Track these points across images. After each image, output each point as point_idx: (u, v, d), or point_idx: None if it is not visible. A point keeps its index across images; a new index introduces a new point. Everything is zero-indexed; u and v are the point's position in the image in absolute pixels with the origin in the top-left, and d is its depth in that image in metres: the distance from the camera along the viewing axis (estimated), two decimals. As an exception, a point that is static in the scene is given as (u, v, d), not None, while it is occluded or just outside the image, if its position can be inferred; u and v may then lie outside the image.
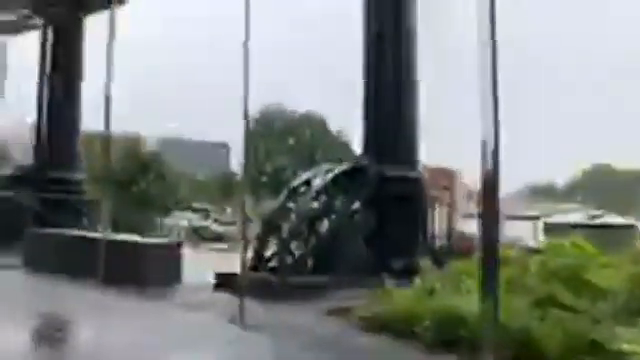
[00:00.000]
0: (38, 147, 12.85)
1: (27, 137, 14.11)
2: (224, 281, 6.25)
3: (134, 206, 17.54)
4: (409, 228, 6.72)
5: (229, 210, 79.85)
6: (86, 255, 6.96)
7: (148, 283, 6.39)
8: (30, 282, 7.12)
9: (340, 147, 75.97)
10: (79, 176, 12.91)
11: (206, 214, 53.67)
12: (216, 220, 57.29)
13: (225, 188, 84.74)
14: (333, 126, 78.98)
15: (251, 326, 4.67)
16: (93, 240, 7.00)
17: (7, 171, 12.49)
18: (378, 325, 4.38)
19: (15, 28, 9.09)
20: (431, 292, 4.63)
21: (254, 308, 4.99)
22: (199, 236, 33.65)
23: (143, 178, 18.05)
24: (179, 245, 6.87)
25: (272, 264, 6.42)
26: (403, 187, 6.68)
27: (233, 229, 53.17)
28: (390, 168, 6.68)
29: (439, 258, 7.31)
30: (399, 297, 4.74)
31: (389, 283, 5.22)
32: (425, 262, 6.05)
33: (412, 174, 6.90)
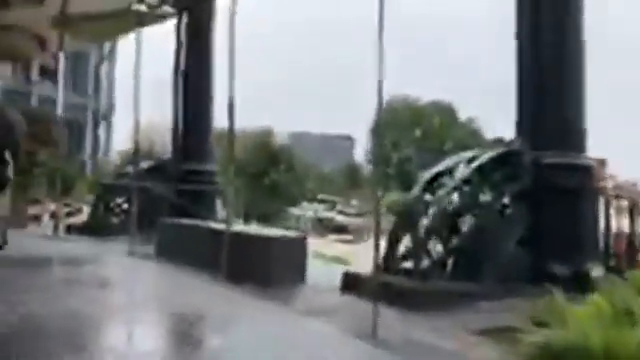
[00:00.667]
0: (174, 140, 13.09)
1: (165, 131, 14.70)
2: (352, 282, 5.48)
3: (265, 196, 17.73)
4: (575, 226, 5.40)
5: (354, 202, 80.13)
6: (213, 247, 6.63)
7: (271, 280, 5.83)
8: (158, 272, 6.96)
9: (471, 136, 72.17)
10: (213, 168, 12.97)
11: (332, 205, 54.18)
12: (341, 211, 57.67)
13: (350, 180, 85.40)
14: (462, 114, 74.97)
15: (384, 342, 3.84)
16: (220, 232, 6.62)
17: (146, 163, 12.94)
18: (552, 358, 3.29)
19: (144, 19, 9.03)
20: (627, 313, 3.43)
21: (387, 319, 4.15)
22: (324, 227, 33.78)
23: (274, 170, 18.09)
24: (305, 239, 6.21)
25: (406, 265, 5.49)
26: (567, 177, 5.36)
27: (358, 220, 53.36)
28: (551, 154, 5.41)
29: (614, 264, 5.90)
30: (576, 318, 3.60)
31: (555, 295, 4.08)
32: (597, 269, 4.77)
33: (580, 161, 5.54)
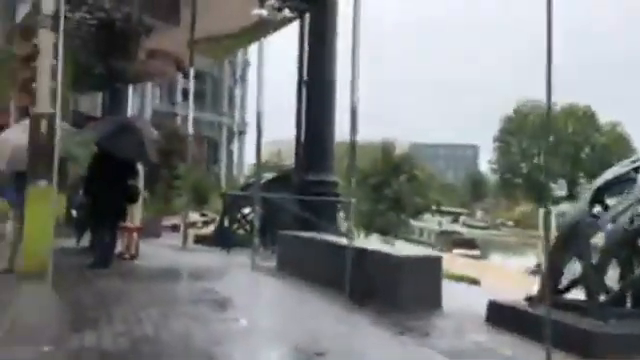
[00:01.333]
0: (297, 150, 12.78)
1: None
2: (501, 314, 4.44)
3: (386, 208, 16.89)
4: None
5: (479, 213, 75.50)
6: (336, 263, 5.98)
7: (401, 304, 4.99)
8: (279, 291, 6.42)
9: (615, 143, 64.29)
10: (334, 178, 12.41)
11: (455, 217, 51.36)
12: (465, 224, 54.38)
13: (474, 191, 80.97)
14: (604, 118, 67.01)
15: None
16: (343, 248, 5.94)
17: (270, 175, 12.80)
18: None
19: (267, 27, 8.72)
20: None
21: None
22: (448, 240, 31.85)
23: (395, 180, 17.19)
24: (440, 260, 5.28)
25: (569, 295, 4.33)
26: None
27: (484, 233, 49.83)
28: None
29: None
30: None
31: None
32: None
33: None
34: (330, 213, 11.37)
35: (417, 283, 5.08)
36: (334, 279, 5.97)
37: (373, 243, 6.40)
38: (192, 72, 10.63)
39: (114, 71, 12.70)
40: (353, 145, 6.15)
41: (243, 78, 61.65)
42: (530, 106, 69.86)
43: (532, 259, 39.28)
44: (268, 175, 12.70)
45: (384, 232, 17.78)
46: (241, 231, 10.15)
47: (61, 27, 5.80)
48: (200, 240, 10.69)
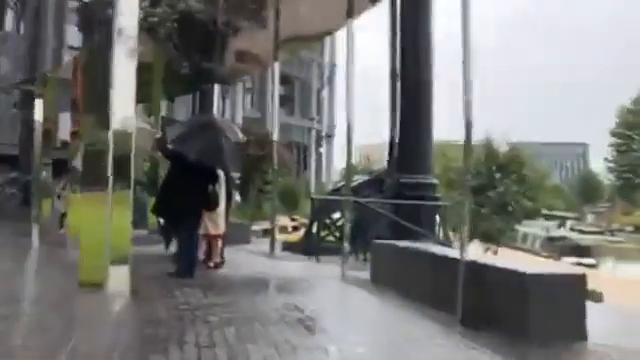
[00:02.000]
0: (391, 150, 11.87)
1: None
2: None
3: (491, 212, 15.44)
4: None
5: (590, 217, 69.56)
6: (441, 278, 5.08)
7: (530, 334, 3.97)
8: (375, 309, 5.60)
9: None
10: (432, 180, 11.34)
11: (562, 222, 47.29)
12: (574, 229, 49.96)
13: (584, 193, 74.86)
14: None
15: None
16: (451, 260, 5.02)
17: (360, 177, 12.04)
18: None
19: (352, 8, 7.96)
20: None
21: None
22: (556, 247, 29.04)
23: (501, 182, 15.67)
24: (584, 278, 4.18)
25: None
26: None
27: (597, 239, 45.51)
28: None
29: None
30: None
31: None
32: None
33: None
34: (428, 218, 10.34)
35: (553, 307, 4.03)
36: (441, 298, 5.05)
37: (490, 257, 5.28)
38: (277, 74, 10.10)
39: (203, 73, 12.61)
40: (468, 144, 5.21)
41: (331, 80, 61.77)
42: (652, 95, 62.81)
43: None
44: (359, 177, 11.94)
45: (487, 239, 16.29)
46: (331, 238, 9.46)
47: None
48: (289, 247, 10.15)
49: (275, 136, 12.34)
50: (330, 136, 61.14)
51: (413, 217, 9.90)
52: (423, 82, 11.54)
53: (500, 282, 4.32)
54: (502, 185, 15.23)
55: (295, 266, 7.81)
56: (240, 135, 9.02)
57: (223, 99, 43.22)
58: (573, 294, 4.13)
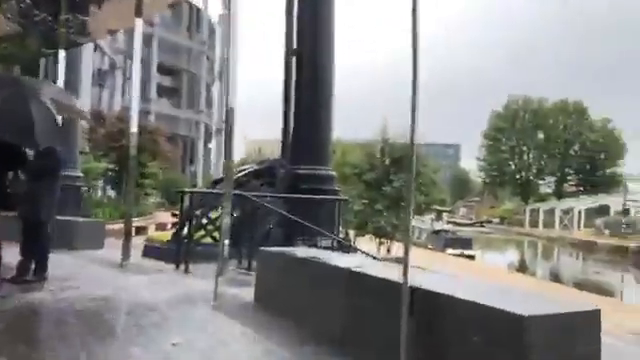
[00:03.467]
0: (284, 137, 9.86)
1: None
2: None
3: (385, 207, 14.14)
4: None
5: (462, 211, 74.00)
6: (367, 309, 3.19)
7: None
8: (250, 342, 3.51)
9: (606, 139, 62.45)
10: (331, 172, 9.55)
11: (438, 215, 48.82)
12: (450, 221, 51.96)
13: (457, 189, 79.19)
14: (595, 115, 64.98)
15: None
16: (380, 283, 3.13)
17: (247, 167, 9.93)
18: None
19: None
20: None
21: None
22: (441, 240, 29.20)
23: (397, 176, 14.40)
24: (598, 315, 2.42)
25: None
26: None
27: (470, 230, 47.55)
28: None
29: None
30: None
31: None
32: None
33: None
34: (327, 214, 8.52)
35: (555, 356, 2.26)
36: (364, 340, 3.14)
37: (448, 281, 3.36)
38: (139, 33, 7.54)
39: (46, 33, 9.55)
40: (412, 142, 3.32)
41: (222, 74, 58.44)
42: (521, 102, 67.48)
43: (517, 256, 37.12)
44: (247, 167, 9.78)
45: (381, 234, 14.99)
46: (208, 239, 7.21)
47: None
48: (154, 251, 7.71)
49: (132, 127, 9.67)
50: (220, 131, 57.60)
51: (310, 212, 8.01)
52: (322, 67, 9.77)
53: (472, 325, 2.45)
54: (397, 180, 13.95)
55: (149, 282, 5.45)
56: (75, 104, 6.44)
57: (100, 87, 38.41)
58: (583, 337, 2.38)
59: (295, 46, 9.59)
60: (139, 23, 7.08)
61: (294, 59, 9.60)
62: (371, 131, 16.05)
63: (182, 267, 6.48)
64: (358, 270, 3.48)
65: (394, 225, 14.24)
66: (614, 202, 50.84)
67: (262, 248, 4.86)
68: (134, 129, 7.19)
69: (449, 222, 51.46)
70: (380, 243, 15.24)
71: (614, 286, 23.97)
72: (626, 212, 47.16)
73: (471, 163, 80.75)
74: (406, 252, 2.84)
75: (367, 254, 8.28)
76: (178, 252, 6.63)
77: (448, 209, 65.57)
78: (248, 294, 4.76)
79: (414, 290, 2.76)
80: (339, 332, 3.43)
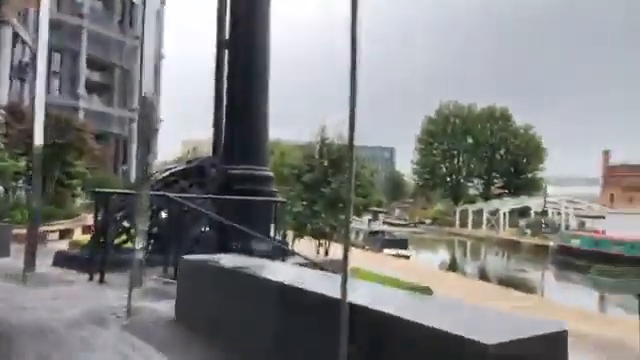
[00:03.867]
0: (216, 134, 9.21)
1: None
2: None
3: (323, 209, 13.76)
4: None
5: (397, 212, 75.37)
6: (300, 325, 2.71)
7: None
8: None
9: (528, 145, 65.90)
10: (268, 172, 8.99)
11: (374, 216, 49.33)
12: (385, 222, 52.72)
13: (392, 191, 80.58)
14: (520, 121, 68.29)
15: None
16: (319, 300, 2.64)
17: (176, 166, 9.20)
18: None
19: None
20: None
21: None
22: (378, 241, 29.32)
23: (335, 177, 14.05)
24: (564, 336, 2.06)
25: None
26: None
27: (405, 231, 48.40)
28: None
29: None
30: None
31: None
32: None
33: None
34: (263, 216, 7.96)
35: None
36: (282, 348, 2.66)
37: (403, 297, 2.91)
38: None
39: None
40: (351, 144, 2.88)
41: (157, 71, 56.07)
42: (452, 108, 69.90)
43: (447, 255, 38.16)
44: (173, 167, 9.01)
45: (319, 236, 14.59)
46: (127, 245, 6.45)
47: None
48: (67, 258, 6.81)
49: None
50: (155, 129, 55.30)
51: (245, 215, 7.42)
52: (257, 60, 9.19)
53: (424, 351, 2.02)
54: (335, 181, 13.62)
55: (52, 297, 4.67)
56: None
57: (21, 81, 35.53)
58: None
59: (227, 37, 9.01)
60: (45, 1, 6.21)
61: (226, 51, 9.01)
62: (313, 132, 15.67)
63: (97, 277, 5.70)
64: (292, 284, 2.98)
65: (332, 226, 13.89)
66: (535, 204, 53.69)
67: (184, 256, 4.25)
68: (39, 122, 6.30)
69: (385, 223, 52.25)
70: (319, 244, 14.85)
71: (536, 283, 25.03)
72: (545, 213, 49.90)
73: (406, 166, 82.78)
74: (345, 266, 2.38)
75: (306, 258, 7.82)
76: (92, 260, 5.83)
77: (384, 210, 66.72)
78: (169, 309, 4.14)
79: (355, 308, 2.31)
80: (271, 355, 2.92)
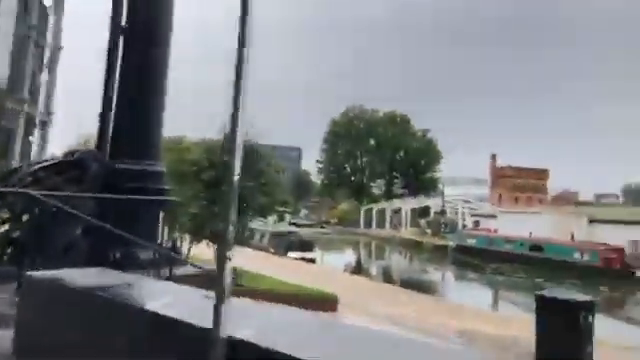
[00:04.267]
0: (102, 124, 8.06)
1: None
2: None
3: (224, 208, 12.83)
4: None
5: (303, 212, 75.60)
6: (143, 352, 2.01)
7: None
8: None
9: (425, 147, 69.20)
10: (160, 168, 7.97)
11: (280, 216, 48.74)
12: (292, 223, 52.30)
13: (299, 190, 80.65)
14: (419, 125, 72.01)
15: None
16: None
17: (48, 159, 7.93)
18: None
19: None
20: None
21: None
22: (283, 243, 28.62)
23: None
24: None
25: None
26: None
27: (311, 232, 48.24)
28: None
29: None
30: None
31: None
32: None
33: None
34: (151, 219, 6.98)
35: None
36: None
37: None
38: None
39: None
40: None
41: (52, 63, 51.23)
42: (357, 111, 71.94)
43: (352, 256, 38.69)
44: (45, 161, 7.71)
45: (217, 239, 13.61)
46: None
47: None
48: None
49: None
50: (45, 123, 50.40)
51: (130, 217, 6.41)
52: (156, 46, 8.17)
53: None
54: (240, 180, 12.77)
55: None
56: None
57: None
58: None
59: (125, 22, 7.94)
60: None
61: (122, 37, 7.94)
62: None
63: None
64: (159, 311, 2.25)
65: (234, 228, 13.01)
66: (434, 204, 56.47)
67: (29, 273, 3.30)
68: None
69: (291, 224, 51.84)
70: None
71: (437, 284, 25.98)
72: (443, 213, 52.60)
73: (313, 166, 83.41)
74: (221, 288, 1.73)
75: (198, 267, 6.98)
76: None
77: (290, 210, 66.40)
78: (6, 341, 3.18)
79: (234, 344, 1.70)
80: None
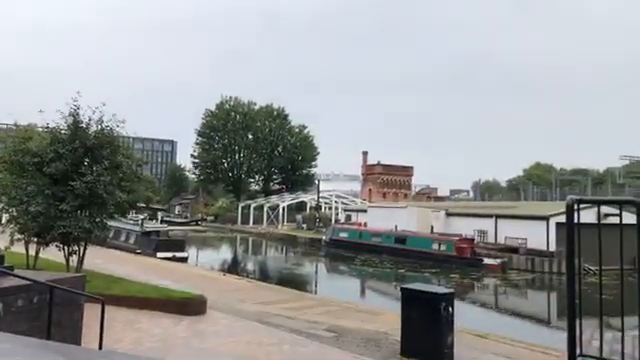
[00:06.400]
0: None
1: None
2: None
3: (76, 207, 11.26)
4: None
5: (178, 209, 71.86)
6: None
7: None
8: None
9: (302, 143, 69.69)
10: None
11: (153, 214, 45.57)
12: (165, 220, 49.24)
13: (174, 185, 76.71)
14: (296, 120, 72.18)
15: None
16: None
17: None
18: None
19: None
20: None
21: None
22: (152, 243, 26.55)
23: (91, 168, 11.62)
24: None
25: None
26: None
27: (186, 230, 45.61)
28: None
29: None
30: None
31: None
32: None
33: None
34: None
35: None
36: None
37: None
38: None
39: None
40: None
41: None
42: (233, 103, 69.70)
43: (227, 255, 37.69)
44: None
45: (68, 242, 11.99)
46: None
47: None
48: None
49: None
50: None
51: None
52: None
53: None
54: (92, 173, 11.29)
55: None
56: None
57: None
58: None
59: None
60: None
61: None
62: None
63: None
64: None
65: (87, 229, 11.45)
66: (310, 199, 57.39)
67: None
68: None
69: (164, 221, 48.78)
70: (70, 253, 12.17)
71: (310, 277, 26.17)
72: (318, 208, 53.68)
73: (187, 160, 80.00)
74: None
75: (25, 278, 5.75)
76: None
77: (163, 207, 62.61)
78: None
79: None
80: None
